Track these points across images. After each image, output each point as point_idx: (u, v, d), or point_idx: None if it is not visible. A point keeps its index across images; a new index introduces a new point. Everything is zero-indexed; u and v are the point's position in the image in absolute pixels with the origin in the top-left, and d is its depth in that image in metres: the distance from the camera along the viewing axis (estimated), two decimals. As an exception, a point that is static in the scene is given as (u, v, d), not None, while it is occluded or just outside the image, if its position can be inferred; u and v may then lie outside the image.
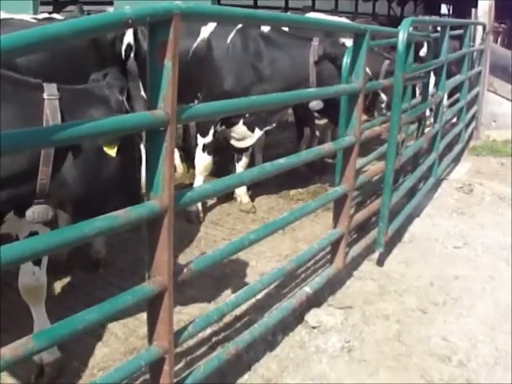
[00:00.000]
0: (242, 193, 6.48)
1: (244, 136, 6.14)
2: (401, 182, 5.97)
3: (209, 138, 5.94)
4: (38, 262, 3.30)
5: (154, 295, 2.63)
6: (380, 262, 5.11)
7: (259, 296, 4.28)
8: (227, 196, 6.57)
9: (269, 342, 3.89)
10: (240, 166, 6.46)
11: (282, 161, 3.44)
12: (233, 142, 6.27)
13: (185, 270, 2.76)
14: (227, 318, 4.02)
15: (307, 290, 4.02)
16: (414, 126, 6.37)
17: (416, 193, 6.27)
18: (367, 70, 4.44)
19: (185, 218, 5.95)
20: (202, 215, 6.09)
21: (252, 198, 6.68)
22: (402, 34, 4.54)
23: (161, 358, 2.78)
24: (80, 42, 4.05)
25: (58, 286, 4.50)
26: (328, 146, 4.28)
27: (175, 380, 2.95)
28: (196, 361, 3.60)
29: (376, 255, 5.12)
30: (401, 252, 5.46)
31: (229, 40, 5.89)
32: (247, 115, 5.88)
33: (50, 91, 2.89)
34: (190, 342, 3.69)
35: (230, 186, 3.38)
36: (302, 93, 4.52)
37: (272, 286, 4.33)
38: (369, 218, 5.45)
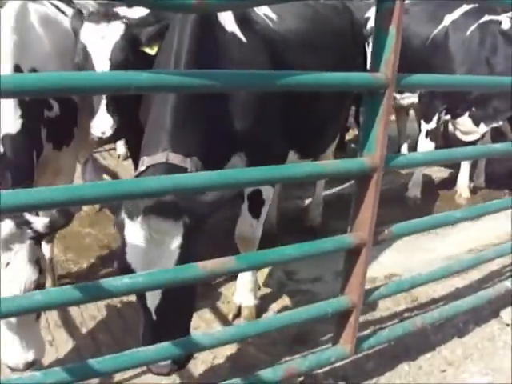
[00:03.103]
0: (463, 186, 6.38)
1: (469, 130, 6.01)
2: None
3: (432, 125, 5.93)
4: (257, 216, 3.61)
5: (352, 247, 2.78)
6: None
7: (459, 285, 4.26)
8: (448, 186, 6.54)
9: (459, 328, 3.86)
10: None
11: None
12: (458, 133, 6.17)
13: (385, 231, 2.87)
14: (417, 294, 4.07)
15: (507, 284, 3.88)
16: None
17: None
18: None
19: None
20: (419, 201, 6.12)
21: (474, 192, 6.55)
22: None
23: (348, 311, 2.94)
24: (341, 20, 4.30)
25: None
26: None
27: (357, 335, 3.08)
28: (374, 324, 3.73)
29: None
30: None
31: (468, 32, 5.79)
32: (473, 109, 5.75)
33: None
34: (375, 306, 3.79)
35: (442, 159, 3.39)
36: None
37: (472, 279, 4.27)
38: None
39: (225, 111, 3.10)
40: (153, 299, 2.51)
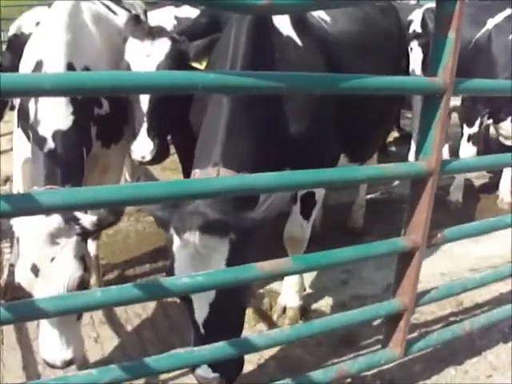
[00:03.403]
0: (505, 190, 6.34)
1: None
2: None
3: (474, 129, 5.89)
4: (307, 217, 3.63)
5: (405, 251, 2.79)
6: None
7: (503, 290, 4.23)
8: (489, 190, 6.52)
9: (504, 333, 3.83)
10: None
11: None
12: (501, 138, 6.14)
13: (438, 235, 2.87)
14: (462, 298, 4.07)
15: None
16: None
17: None
18: None
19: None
20: (460, 206, 6.10)
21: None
22: None
23: (399, 313, 2.95)
24: (389, 22, 4.31)
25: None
26: None
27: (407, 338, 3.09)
28: (419, 328, 3.73)
29: None
30: None
31: (511, 36, 5.75)
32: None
33: None
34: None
35: (496, 164, 3.38)
36: None
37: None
38: None
39: (279, 121, 3.12)
40: (206, 300, 2.51)
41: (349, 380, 3.22)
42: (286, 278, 3.93)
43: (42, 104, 3.23)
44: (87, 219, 2.82)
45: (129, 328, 3.87)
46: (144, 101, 3.53)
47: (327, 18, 3.58)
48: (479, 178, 7.05)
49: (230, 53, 2.95)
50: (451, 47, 2.53)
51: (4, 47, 6.86)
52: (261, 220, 2.50)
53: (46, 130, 3.19)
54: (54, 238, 2.75)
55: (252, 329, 3.79)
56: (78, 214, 2.82)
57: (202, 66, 3.54)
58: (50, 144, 3.16)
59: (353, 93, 2.46)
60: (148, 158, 3.59)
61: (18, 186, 3.80)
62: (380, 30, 3.99)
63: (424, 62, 6.39)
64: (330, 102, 3.23)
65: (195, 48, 3.56)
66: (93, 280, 4.16)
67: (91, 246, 4.13)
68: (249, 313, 3.96)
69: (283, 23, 3.26)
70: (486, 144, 7.49)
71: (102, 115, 3.58)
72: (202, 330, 2.55)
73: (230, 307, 2.54)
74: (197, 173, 2.71)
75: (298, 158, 3.09)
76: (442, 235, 2.90)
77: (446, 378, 3.44)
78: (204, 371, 2.56)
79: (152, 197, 2.07)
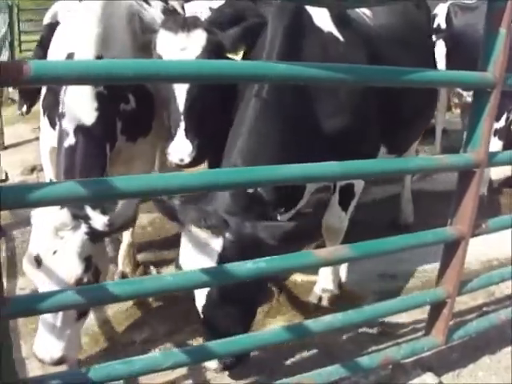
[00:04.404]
0: None
1: None
2: None
3: (501, 123, 5.95)
4: (346, 209, 3.70)
5: (451, 240, 2.87)
6: None
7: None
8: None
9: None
10: None
11: None
12: None
13: (483, 226, 2.94)
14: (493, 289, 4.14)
15: None
16: None
17: None
18: None
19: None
20: (485, 198, 6.13)
21: None
22: None
23: (443, 301, 3.02)
24: (421, 15, 4.38)
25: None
26: None
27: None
28: (455, 318, 3.79)
29: None
30: None
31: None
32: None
33: None
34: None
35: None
36: None
37: None
38: None
39: (316, 116, 3.19)
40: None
41: (390, 367, 3.30)
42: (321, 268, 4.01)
43: (68, 97, 3.25)
44: (99, 220, 2.78)
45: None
46: (181, 98, 3.36)
47: (368, 12, 3.65)
48: (501, 172, 7.11)
49: (266, 51, 3.04)
50: (501, 43, 2.60)
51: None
52: (289, 232, 2.61)
53: (68, 124, 3.20)
54: (58, 231, 2.74)
55: (289, 318, 3.88)
56: (91, 213, 2.78)
57: (238, 56, 3.38)
58: (71, 139, 3.16)
59: (411, 85, 2.53)
60: (187, 160, 3.39)
61: (48, 175, 3.88)
62: (416, 24, 4.07)
63: (448, 56, 6.43)
64: (372, 93, 3.30)
65: (230, 38, 3.40)
66: (129, 267, 4.25)
67: (125, 233, 4.19)
68: (284, 302, 4.07)
69: (323, 20, 3.31)
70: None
71: (128, 111, 3.56)
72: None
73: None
74: None
75: (339, 151, 3.15)
76: (486, 225, 2.97)
77: (482, 366, 3.50)
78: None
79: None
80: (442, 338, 3.10)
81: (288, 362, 3.40)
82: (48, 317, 2.74)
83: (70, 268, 2.74)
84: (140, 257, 4.55)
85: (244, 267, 2.31)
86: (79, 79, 1.97)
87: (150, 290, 2.17)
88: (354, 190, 3.61)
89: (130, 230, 4.18)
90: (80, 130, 3.19)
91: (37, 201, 1.89)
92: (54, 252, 2.73)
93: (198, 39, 3.37)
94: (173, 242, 4.71)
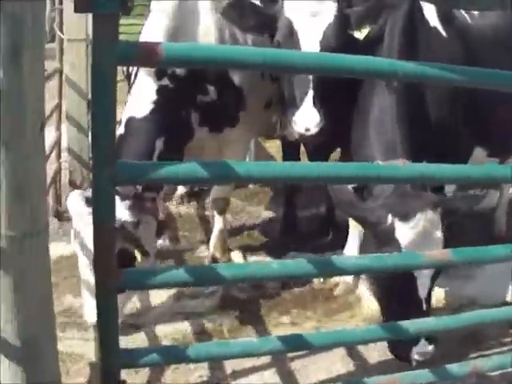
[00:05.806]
0: None
1: None
2: None
3: None
4: None
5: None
6: None
7: None
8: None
9: None
10: None
11: None
12: None
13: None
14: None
15: None
16: None
17: None
18: None
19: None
20: None
21: None
22: None
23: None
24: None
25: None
26: None
27: None
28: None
29: None
30: None
31: None
32: None
33: None
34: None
35: None
36: None
37: None
38: None
39: (427, 111, 3.27)
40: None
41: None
42: None
43: (133, 88, 3.38)
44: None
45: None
46: None
47: (475, 12, 3.61)
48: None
49: (386, 44, 3.16)
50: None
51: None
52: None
53: (124, 114, 3.30)
54: (82, 215, 2.89)
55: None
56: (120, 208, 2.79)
57: (361, 34, 3.28)
58: (121, 129, 3.26)
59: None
60: (313, 130, 3.15)
61: None
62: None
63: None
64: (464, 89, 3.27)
65: (356, 14, 3.29)
66: (218, 252, 4.32)
67: (218, 219, 4.28)
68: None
69: (430, 14, 3.37)
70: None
71: (206, 102, 3.58)
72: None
73: None
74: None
75: (437, 148, 3.17)
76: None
77: None
78: (422, 347, 2.92)
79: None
80: (533, 353, 3.03)
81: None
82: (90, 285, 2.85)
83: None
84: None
85: (351, 261, 2.35)
86: (206, 62, 2.01)
87: (257, 276, 2.21)
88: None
89: (222, 217, 4.27)
90: (130, 121, 3.30)
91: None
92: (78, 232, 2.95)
93: (330, 7, 3.25)
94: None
